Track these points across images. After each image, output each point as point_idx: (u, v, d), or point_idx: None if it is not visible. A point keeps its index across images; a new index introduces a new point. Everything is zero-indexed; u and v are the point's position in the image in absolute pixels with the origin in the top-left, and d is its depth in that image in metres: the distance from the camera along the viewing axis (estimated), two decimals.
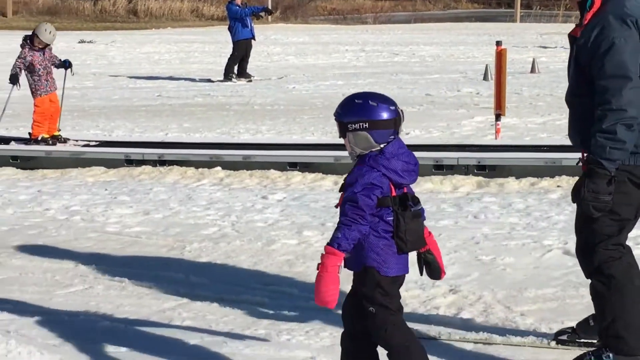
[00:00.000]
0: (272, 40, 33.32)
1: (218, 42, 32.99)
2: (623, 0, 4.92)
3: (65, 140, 13.19)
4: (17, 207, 9.96)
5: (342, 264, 4.39)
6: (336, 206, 4.68)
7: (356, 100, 4.54)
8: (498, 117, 12.46)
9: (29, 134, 13.14)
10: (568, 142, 11.18)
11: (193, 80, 23.45)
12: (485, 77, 21.34)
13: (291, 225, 8.93)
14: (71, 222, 9.30)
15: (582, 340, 5.50)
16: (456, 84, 21.24)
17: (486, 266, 7.48)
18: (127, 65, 27.90)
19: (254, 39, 23.81)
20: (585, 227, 5.11)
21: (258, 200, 10.02)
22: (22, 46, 13.32)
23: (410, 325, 6.05)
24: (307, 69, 25.33)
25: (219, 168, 11.42)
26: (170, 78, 24.10)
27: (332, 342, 5.72)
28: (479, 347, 5.76)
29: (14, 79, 13.17)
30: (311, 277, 7.17)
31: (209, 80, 23.10)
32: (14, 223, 9.25)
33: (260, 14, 26.16)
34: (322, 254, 4.37)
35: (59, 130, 13.39)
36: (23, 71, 13.09)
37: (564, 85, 17.06)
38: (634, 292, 5.02)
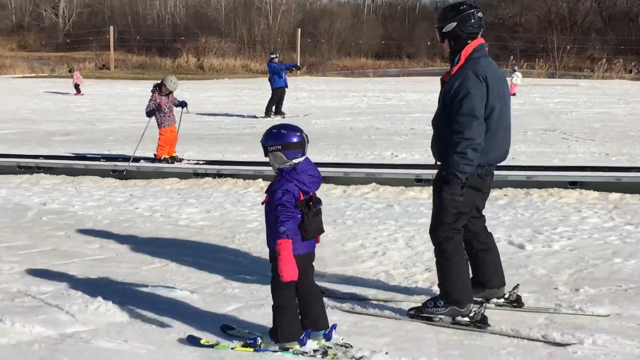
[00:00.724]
0: (300, 88, 33.30)
1: (261, 89, 32.99)
2: (479, 60, 5.24)
3: (180, 160, 13.22)
4: (115, 206, 10.04)
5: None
6: (262, 203, 5.02)
7: (274, 130, 4.83)
8: None
9: (154, 155, 13.14)
10: (512, 163, 11.24)
11: (243, 116, 23.48)
12: None
13: None
14: (153, 218, 9.36)
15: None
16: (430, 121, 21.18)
17: None
18: (196, 105, 27.89)
19: (287, 87, 23.84)
20: (434, 215, 5.47)
21: None
22: (153, 91, 13.15)
23: (394, 294, 6.12)
24: (324, 109, 25.32)
25: (260, 180, 11.42)
26: (227, 114, 24.15)
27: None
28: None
29: (150, 114, 13.08)
30: (325, 258, 7.23)
31: (254, 117, 23.13)
32: (112, 218, 9.33)
33: (292, 69, 26.30)
34: (279, 246, 4.62)
35: (176, 152, 13.44)
36: (154, 107, 13.03)
37: (512, 122, 16.88)
38: (458, 263, 5.38)
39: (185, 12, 77.41)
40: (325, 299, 5.41)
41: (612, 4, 71.97)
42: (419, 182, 10.67)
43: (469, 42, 5.29)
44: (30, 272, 7.00)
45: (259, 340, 5.01)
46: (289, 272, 4.62)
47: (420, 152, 14.72)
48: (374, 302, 6.00)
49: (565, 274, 6.69)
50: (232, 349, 5.04)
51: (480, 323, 5.30)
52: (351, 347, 4.94)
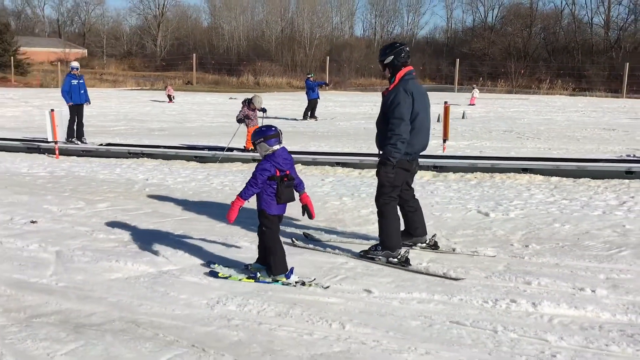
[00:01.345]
0: (328, 99, 33.09)
1: (299, 99, 32.98)
2: (408, 81, 5.49)
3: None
4: (197, 182, 10.03)
5: (243, 205, 5.05)
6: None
7: (257, 130, 5.16)
8: (444, 140, 12.32)
9: (244, 146, 13.04)
10: (482, 154, 10.99)
11: (287, 119, 23.37)
12: (438, 120, 21.08)
13: (336, 194, 8.86)
14: (224, 191, 9.33)
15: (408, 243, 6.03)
16: None
17: (436, 218, 7.40)
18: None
19: (319, 98, 23.71)
20: (378, 187, 5.67)
21: (318, 181, 9.93)
22: (243, 105, 13.16)
23: (433, 254, 6.06)
24: (345, 114, 25.14)
25: (299, 164, 11.27)
26: (275, 117, 24.02)
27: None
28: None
29: (240, 122, 13.03)
30: (346, 220, 7.20)
31: (295, 119, 23.03)
32: (194, 190, 9.35)
33: (323, 85, 26.18)
34: (235, 200, 5.05)
35: None
36: (243, 117, 13.00)
37: (480, 125, 16.44)
38: (392, 222, 5.63)
39: (246, 43, 77.28)
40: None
41: (555, 39, 71.10)
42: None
43: (402, 68, 5.55)
44: (137, 226, 7.07)
45: (258, 275, 5.22)
46: (230, 216, 5.04)
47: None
48: None
49: (518, 234, 6.62)
50: (239, 280, 5.23)
51: (404, 262, 5.57)
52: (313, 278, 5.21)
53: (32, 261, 5.78)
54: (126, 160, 12.42)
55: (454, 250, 6.04)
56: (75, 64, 15.28)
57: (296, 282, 5.08)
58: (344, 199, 8.50)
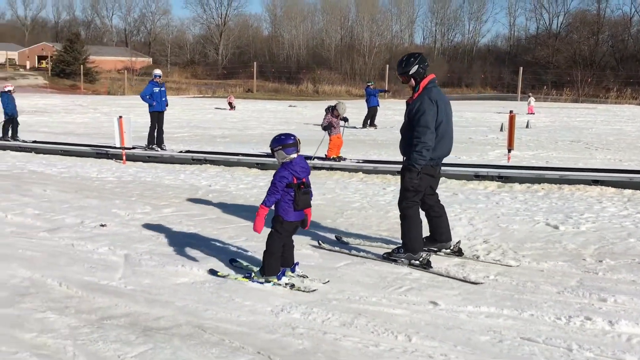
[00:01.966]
0: (387, 107, 32.99)
1: (360, 108, 33.03)
2: (432, 89, 5.62)
3: (344, 159, 12.68)
4: (259, 188, 10.09)
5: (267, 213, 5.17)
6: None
7: (276, 137, 5.24)
8: (509, 150, 12.03)
9: (325, 155, 12.90)
10: (548, 165, 10.74)
11: (346, 127, 23.39)
12: (501, 129, 20.70)
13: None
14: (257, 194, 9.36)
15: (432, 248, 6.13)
16: (485, 132, 20.61)
17: (503, 229, 7.21)
18: (312, 118, 28.13)
19: (379, 106, 23.65)
20: (401, 192, 5.82)
21: (380, 190, 9.84)
22: (326, 112, 13.02)
23: (458, 259, 5.95)
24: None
25: (360, 172, 11.26)
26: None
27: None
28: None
29: (325, 129, 12.96)
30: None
31: (354, 127, 23.01)
32: (257, 197, 9.37)
33: (383, 93, 26.15)
34: (259, 209, 5.20)
35: (340, 153, 13.01)
36: (327, 124, 12.89)
37: (545, 135, 16.05)
38: (415, 225, 5.77)
39: (306, 52, 77.93)
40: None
41: (624, 47, 68.65)
42: (477, 177, 10.36)
43: (425, 77, 5.70)
44: (201, 232, 7.17)
45: (253, 274, 5.44)
46: (257, 227, 5.17)
47: (477, 154, 14.37)
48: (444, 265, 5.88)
49: (591, 249, 6.37)
50: (235, 279, 5.46)
51: (426, 265, 5.67)
52: (307, 277, 5.43)
53: (102, 264, 5.94)
54: (190, 167, 12.66)
55: (477, 257, 6.04)
56: (157, 71, 15.58)
57: (286, 284, 5.25)
58: None
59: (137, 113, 29.49)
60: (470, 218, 7.75)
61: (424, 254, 5.74)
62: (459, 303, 4.83)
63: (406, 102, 5.84)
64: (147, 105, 15.03)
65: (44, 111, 31.56)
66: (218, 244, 6.57)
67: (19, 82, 62.49)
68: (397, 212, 8.03)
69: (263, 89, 58.27)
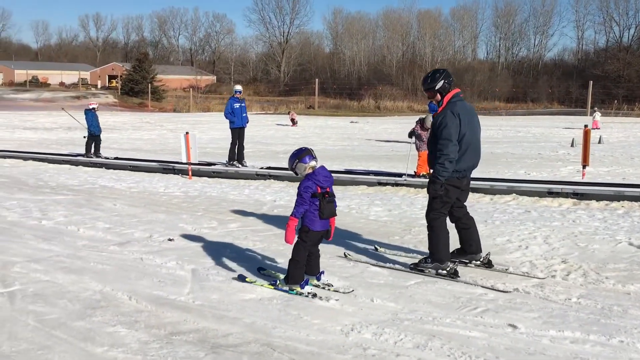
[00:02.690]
0: None
1: None
2: (455, 104, 5.77)
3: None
4: None
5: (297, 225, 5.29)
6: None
7: (290, 155, 5.48)
8: (584, 166, 11.51)
9: (414, 172, 12.32)
10: (626, 181, 10.27)
11: (410, 142, 23.15)
12: (572, 145, 20.00)
13: None
14: (351, 214, 9.21)
15: (455, 260, 6.10)
16: (555, 148, 19.95)
17: (582, 249, 6.84)
18: (374, 134, 27.99)
19: None
20: (429, 203, 5.98)
21: None
22: (416, 124, 12.51)
23: (535, 280, 5.65)
24: None
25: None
26: (396, 141, 23.91)
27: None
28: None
29: (411, 136, 12.52)
30: (482, 249, 6.80)
31: (415, 143, 22.72)
32: None
33: None
34: (289, 220, 5.27)
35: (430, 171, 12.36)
36: (414, 137, 12.42)
37: (620, 151, 15.47)
38: (441, 235, 5.89)
39: (367, 68, 77.98)
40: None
41: None
42: (550, 194, 9.97)
43: (449, 91, 5.86)
44: (267, 247, 7.10)
45: (278, 282, 5.57)
46: (289, 238, 5.25)
47: (547, 171, 13.87)
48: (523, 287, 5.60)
49: None
50: (261, 286, 5.59)
51: (453, 275, 5.77)
52: (332, 285, 5.52)
53: (170, 278, 5.94)
54: (254, 182, 12.71)
55: (506, 270, 6.05)
56: (238, 87, 15.43)
57: (309, 293, 5.33)
58: (478, 226, 8.08)
59: (202, 130, 30.12)
60: (546, 236, 7.39)
61: (451, 264, 5.87)
62: (540, 327, 4.56)
63: (432, 116, 6.07)
64: (226, 121, 14.97)
65: (113, 128, 32.59)
66: (285, 260, 6.48)
67: (91, 100, 65.01)
68: None
69: (324, 105, 58.54)
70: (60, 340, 4.44)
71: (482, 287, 5.49)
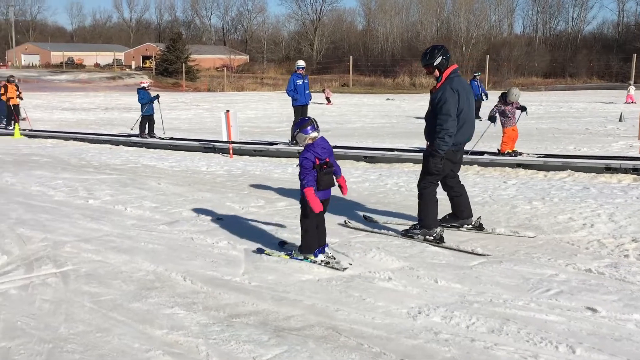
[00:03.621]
0: (489, 99, 31.85)
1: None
2: (453, 79, 5.92)
3: (520, 154, 11.28)
4: (370, 182, 9.72)
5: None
6: (296, 166, 5.72)
7: (293, 124, 5.25)
8: None
9: (498, 150, 11.57)
10: None
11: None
12: (620, 119, 19.30)
13: (524, 198, 8.12)
14: (401, 192, 8.93)
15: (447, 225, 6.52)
16: (602, 123, 19.28)
17: None
18: (412, 111, 27.50)
19: (482, 100, 22.62)
20: (422, 174, 6.22)
21: (501, 183, 9.22)
22: (499, 100, 11.61)
23: (607, 260, 5.32)
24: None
25: (476, 165, 10.66)
26: None
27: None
28: None
29: (492, 119, 11.72)
30: (543, 227, 6.49)
31: None
32: (370, 191, 9.06)
33: (483, 95, 25.29)
34: (304, 192, 5.30)
35: (515, 147, 11.47)
36: (497, 114, 11.59)
37: None
38: (430, 204, 6.13)
39: (400, 44, 76.82)
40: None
41: None
42: (608, 169, 9.54)
43: (447, 67, 5.98)
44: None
45: (293, 252, 5.68)
46: (316, 206, 5.26)
47: (598, 146, 13.36)
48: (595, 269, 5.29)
49: None
50: (278, 256, 5.72)
51: (439, 240, 6.03)
52: (335, 258, 5.55)
53: (222, 258, 5.78)
54: (296, 160, 12.48)
55: (493, 230, 6.45)
56: (301, 62, 14.70)
57: (322, 261, 5.46)
58: (535, 203, 7.76)
59: (237, 109, 29.99)
60: (610, 214, 7.02)
61: (437, 230, 6.10)
62: (622, 310, 4.27)
63: (430, 91, 6.17)
64: (288, 98, 14.36)
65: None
66: (339, 239, 6.27)
67: (126, 81, 65.51)
68: (526, 207, 7.56)
69: (358, 83, 57.93)
70: (118, 323, 4.32)
71: (460, 250, 5.80)
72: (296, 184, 9.65)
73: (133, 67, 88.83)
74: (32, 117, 20.65)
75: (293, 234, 6.45)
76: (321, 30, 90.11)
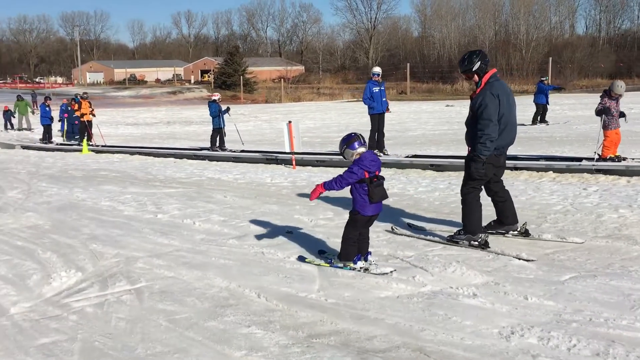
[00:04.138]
0: (552, 102, 30.78)
1: (523, 104, 31.20)
2: (493, 84, 5.89)
3: (624, 159, 10.45)
4: (440, 192, 9.36)
5: (322, 193, 5.48)
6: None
7: (341, 140, 5.54)
8: None
9: (598, 155, 10.57)
10: None
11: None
12: None
13: (609, 206, 7.64)
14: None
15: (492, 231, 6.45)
16: None
17: None
18: None
19: (548, 104, 21.90)
20: (464, 179, 6.19)
21: (581, 190, 8.74)
22: (602, 96, 10.68)
23: None
24: (579, 117, 23.08)
25: (551, 172, 10.14)
26: None
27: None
28: None
29: (598, 114, 10.61)
30: (636, 237, 6.05)
31: (522, 124, 21.54)
32: (441, 201, 8.69)
33: (558, 89, 24.62)
34: (318, 185, 5.48)
35: (617, 153, 10.65)
36: (601, 108, 10.55)
37: None
38: (474, 209, 6.13)
39: (457, 50, 75.63)
40: None
41: None
42: None
43: (487, 72, 5.97)
44: (392, 239, 6.64)
45: (333, 260, 5.72)
46: (313, 195, 5.51)
47: None
48: None
49: None
50: (317, 265, 5.76)
51: (484, 245, 6.00)
52: (377, 264, 5.57)
53: (295, 273, 5.60)
54: None
55: (540, 236, 6.31)
56: (377, 69, 13.90)
57: (361, 267, 5.50)
58: (622, 211, 7.28)
59: (296, 119, 30.04)
60: None
61: (482, 235, 6.07)
62: None
63: (470, 96, 6.11)
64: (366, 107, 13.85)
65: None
66: (415, 253, 6.00)
67: (186, 95, 66.93)
68: (613, 216, 7.10)
69: (416, 90, 57.32)
70: (195, 342, 4.19)
71: (506, 255, 5.72)
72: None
73: (192, 81, 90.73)
74: (98, 133, 21.11)
75: (374, 249, 6.23)
76: (376, 39, 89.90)
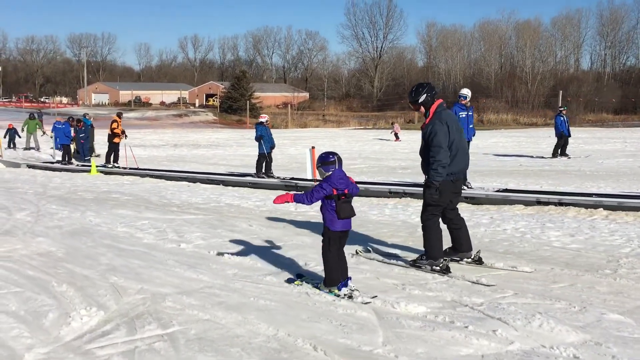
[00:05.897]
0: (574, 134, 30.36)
1: (534, 137, 30.67)
2: (441, 113, 6.13)
3: None
4: (485, 227, 8.67)
5: (288, 203, 5.63)
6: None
7: (321, 155, 5.55)
8: None
9: None
10: None
11: (531, 157, 21.46)
12: None
13: None
14: (525, 238, 7.80)
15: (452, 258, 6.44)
16: None
17: None
18: (487, 148, 26.19)
19: (570, 136, 21.28)
20: (423, 206, 6.28)
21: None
22: None
23: None
24: (599, 151, 22.47)
25: (601, 209, 9.34)
26: (518, 155, 22.16)
27: None
28: None
29: None
30: None
31: (542, 157, 20.95)
32: (491, 237, 7.97)
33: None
34: (289, 194, 5.64)
35: None
36: None
37: None
38: (434, 234, 6.19)
39: (463, 81, 75.55)
40: None
41: None
42: None
43: (433, 103, 6.19)
44: (453, 283, 5.87)
45: (319, 285, 5.63)
46: (279, 200, 5.64)
47: None
48: None
49: None
50: (299, 284, 5.76)
51: (445, 270, 6.04)
52: (358, 291, 5.42)
53: (352, 321, 4.83)
54: (388, 200, 11.55)
55: (492, 265, 6.33)
56: (465, 91, 12.00)
57: (344, 295, 5.36)
58: None
59: (305, 145, 29.41)
60: None
61: (443, 261, 6.11)
62: None
63: (421, 127, 6.33)
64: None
65: (217, 145, 32.47)
66: (485, 300, 5.24)
67: (192, 118, 66.49)
68: None
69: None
70: None
71: (469, 281, 5.79)
72: (402, 228, 8.70)
73: (197, 104, 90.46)
74: (130, 154, 20.09)
75: (433, 294, 5.47)
76: (382, 68, 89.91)
